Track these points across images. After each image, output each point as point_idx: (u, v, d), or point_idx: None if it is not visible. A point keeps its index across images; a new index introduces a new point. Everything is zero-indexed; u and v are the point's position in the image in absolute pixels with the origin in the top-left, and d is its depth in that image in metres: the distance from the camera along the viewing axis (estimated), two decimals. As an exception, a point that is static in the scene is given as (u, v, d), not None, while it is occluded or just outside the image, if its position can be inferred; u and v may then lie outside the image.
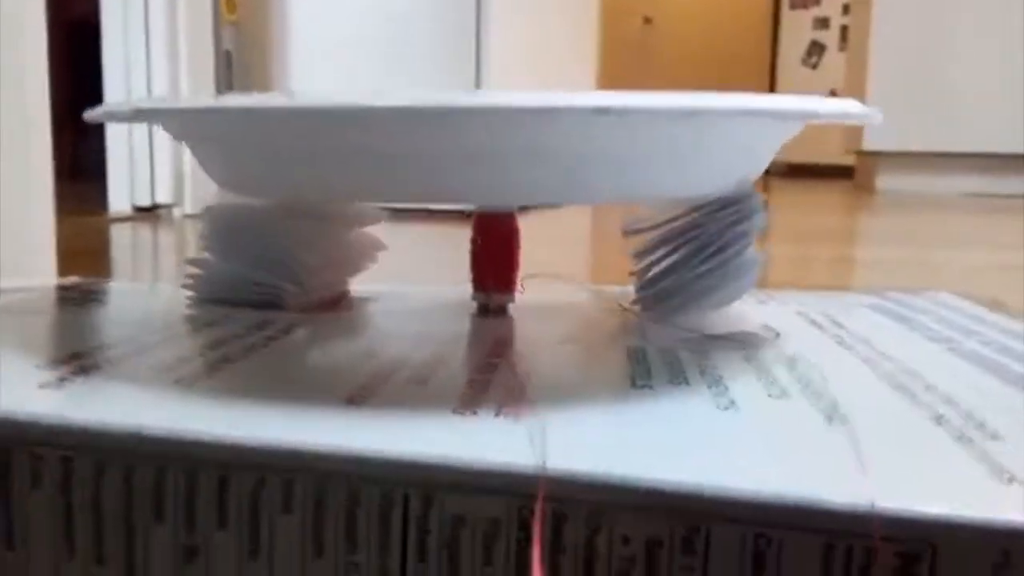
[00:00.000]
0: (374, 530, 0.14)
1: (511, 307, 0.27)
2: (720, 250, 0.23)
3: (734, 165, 0.21)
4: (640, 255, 0.24)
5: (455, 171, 0.18)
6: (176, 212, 1.31)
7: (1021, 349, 0.23)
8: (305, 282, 0.26)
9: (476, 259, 0.27)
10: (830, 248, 1.11)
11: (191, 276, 0.26)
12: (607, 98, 0.16)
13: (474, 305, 0.27)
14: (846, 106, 0.20)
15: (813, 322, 0.26)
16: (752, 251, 0.23)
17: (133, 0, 1.28)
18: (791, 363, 0.21)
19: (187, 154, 1.31)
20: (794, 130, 0.22)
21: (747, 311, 0.26)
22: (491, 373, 0.19)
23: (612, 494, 0.14)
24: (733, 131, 0.18)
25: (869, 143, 2.10)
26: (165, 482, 0.15)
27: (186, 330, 0.22)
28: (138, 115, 0.17)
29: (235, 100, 0.16)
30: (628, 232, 0.23)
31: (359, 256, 0.29)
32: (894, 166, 2.10)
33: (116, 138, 1.29)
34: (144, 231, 1.15)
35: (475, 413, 0.16)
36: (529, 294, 0.28)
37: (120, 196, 1.29)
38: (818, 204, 1.77)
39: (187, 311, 0.25)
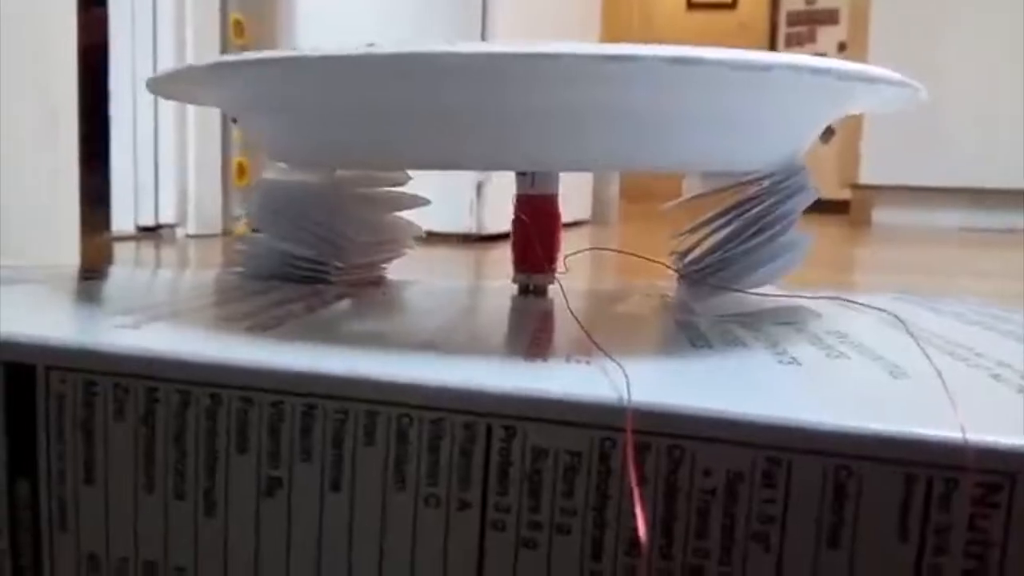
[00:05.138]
0: (456, 462, 0.15)
1: (551, 289, 0.27)
2: (767, 227, 0.23)
3: (787, 136, 0.21)
4: (684, 232, 0.24)
5: (515, 130, 0.19)
6: (179, 232, 1.31)
7: (1061, 328, 0.24)
8: (350, 260, 0.26)
9: (518, 239, 0.27)
10: (831, 275, 1.12)
11: (239, 252, 0.26)
12: (680, 50, 0.16)
13: (513, 289, 0.27)
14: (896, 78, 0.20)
15: (848, 305, 0.27)
16: (797, 229, 0.24)
17: (141, 26, 1.29)
18: (841, 335, 0.21)
19: (191, 174, 1.31)
20: (843, 106, 0.22)
21: (784, 296, 0.26)
22: (551, 331, 0.19)
23: (695, 426, 0.14)
24: (798, 92, 0.19)
25: (865, 177, 2.12)
26: (250, 413, 0.15)
27: (240, 294, 0.23)
28: (217, 69, 0.18)
29: (325, 50, 0.16)
30: (671, 208, 0.24)
31: (400, 239, 0.29)
32: (890, 200, 2.11)
33: (121, 158, 1.29)
34: (147, 250, 1.15)
35: (545, 360, 0.17)
36: (567, 279, 0.28)
37: (124, 216, 1.29)
38: (815, 236, 1.77)
39: (236, 281, 0.25)
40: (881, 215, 2.13)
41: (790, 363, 0.18)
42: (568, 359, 0.17)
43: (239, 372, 0.15)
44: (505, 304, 0.25)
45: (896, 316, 0.23)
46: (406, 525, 0.15)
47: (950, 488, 0.14)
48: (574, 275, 0.29)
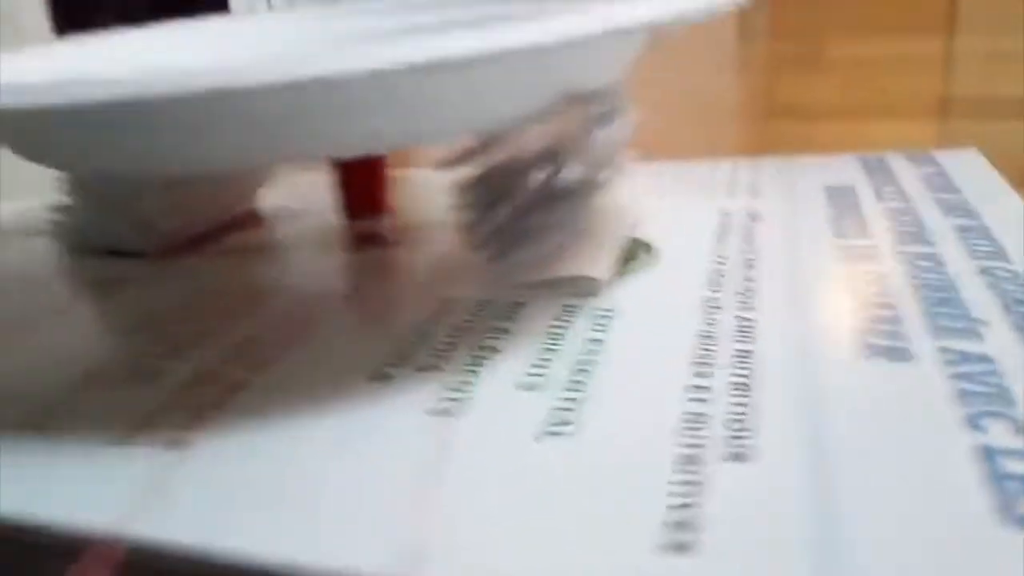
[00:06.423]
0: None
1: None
2: (556, 194, 0.19)
3: (551, 86, 0.17)
4: (465, 191, 0.20)
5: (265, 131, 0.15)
6: None
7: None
8: (158, 225, 0.24)
9: (341, 185, 0.25)
10: None
11: (55, 224, 0.25)
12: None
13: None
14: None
15: (722, 226, 0.23)
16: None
17: None
18: (599, 325, 0.18)
19: None
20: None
21: (627, 223, 0.23)
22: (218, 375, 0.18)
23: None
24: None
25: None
26: None
27: None
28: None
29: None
30: (443, 165, 0.20)
31: (245, 180, 0.27)
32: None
33: None
34: None
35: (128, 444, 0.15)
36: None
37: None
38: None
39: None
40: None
41: (442, 414, 0.15)
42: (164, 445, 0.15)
43: None
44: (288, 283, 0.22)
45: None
46: None
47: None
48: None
